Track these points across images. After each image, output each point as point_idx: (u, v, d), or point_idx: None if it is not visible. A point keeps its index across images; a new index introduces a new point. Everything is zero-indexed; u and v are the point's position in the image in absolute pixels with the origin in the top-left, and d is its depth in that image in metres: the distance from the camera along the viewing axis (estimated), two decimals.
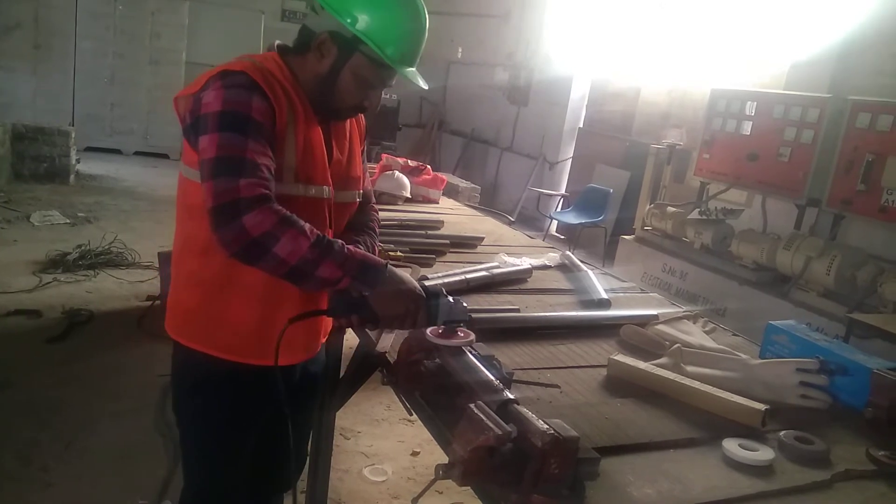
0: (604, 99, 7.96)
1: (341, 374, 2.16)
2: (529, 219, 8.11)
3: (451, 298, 1.45)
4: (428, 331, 1.44)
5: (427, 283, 1.58)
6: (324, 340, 1.73)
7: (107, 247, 4.96)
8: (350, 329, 1.61)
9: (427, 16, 1.50)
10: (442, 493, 2.57)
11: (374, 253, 1.65)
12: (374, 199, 1.85)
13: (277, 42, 1.56)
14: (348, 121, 1.65)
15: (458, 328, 1.45)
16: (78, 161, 7.49)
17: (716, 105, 4.77)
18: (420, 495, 1.21)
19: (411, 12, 1.47)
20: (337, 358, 2.27)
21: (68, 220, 5.78)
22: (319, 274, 1.32)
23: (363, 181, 1.72)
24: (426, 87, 1.52)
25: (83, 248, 4.87)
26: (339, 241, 1.37)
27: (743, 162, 4.45)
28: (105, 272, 4.71)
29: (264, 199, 1.29)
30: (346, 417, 3.14)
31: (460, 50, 9.82)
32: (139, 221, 6.06)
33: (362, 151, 1.74)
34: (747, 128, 4.49)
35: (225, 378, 1.53)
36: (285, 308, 1.46)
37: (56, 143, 7.08)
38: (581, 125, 8.21)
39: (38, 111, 8.30)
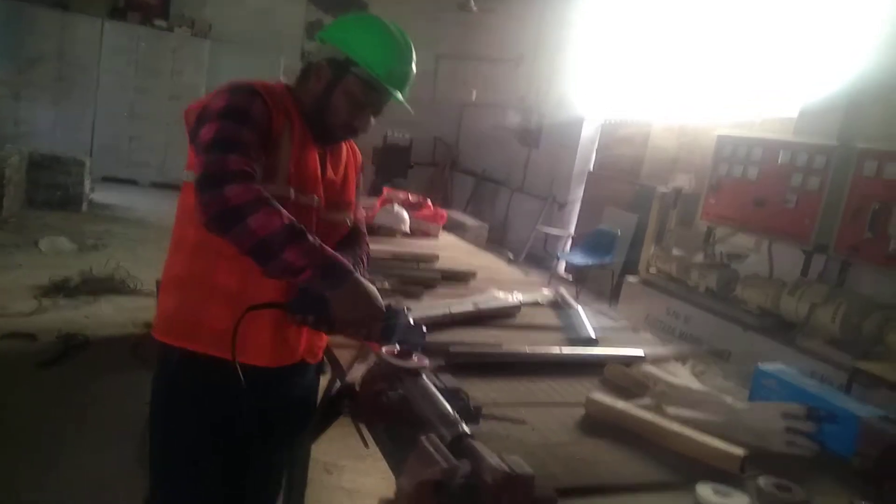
0: (613, 143, 7.98)
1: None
2: (538, 259, 8.07)
3: (411, 321, 1.43)
4: (383, 348, 1.43)
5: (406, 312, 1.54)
6: (311, 360, 1.73)
7: (110, 273, 4.98)
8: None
9: (413, 50, 1.65)
10: None
11: (364, 270, 1.67)
12: (365, 232, 1.86)
13: (283, 79, 1.72)
14: (345, 150, 1.75)
15: (414, 353, 1.41)
16: (92, 190, 7.59)
17: (722, 150, 4.75)
18: None
19: (397, 42, 1.61)
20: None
21: (76, 247, 5.83)
22: (286, 256, 1.33)
23: (355, 208, 1.79)
24: (412, 112, 1.67)
25: (85, 273, 4.88)
26: (315, 236, 1.39)
27: (749, 207, 4.41)
28: (106, 298, 4.71)
29: (250, 175, 1.35)
30: (331, 452, 3.06)
31: (474, 93, 9.95)
32: (146, 250, 6.08)
33: (357, 184, 1.81)
34: (754, 173, 4.46)
35: (199, 373, 1.55)
36: (257, 314, 1.46)
37: (71, 171, 7.19)
38: (591, 168, 8.22)
39: (57, 141, 8.45)
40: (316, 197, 1.61)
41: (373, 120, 1.67)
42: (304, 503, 2.36)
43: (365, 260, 1.75)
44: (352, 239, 1.77)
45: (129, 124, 9.20)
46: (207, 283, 1.53)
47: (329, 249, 1.40)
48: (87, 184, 7.41)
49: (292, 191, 1.53)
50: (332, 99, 1.58)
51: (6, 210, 6.41)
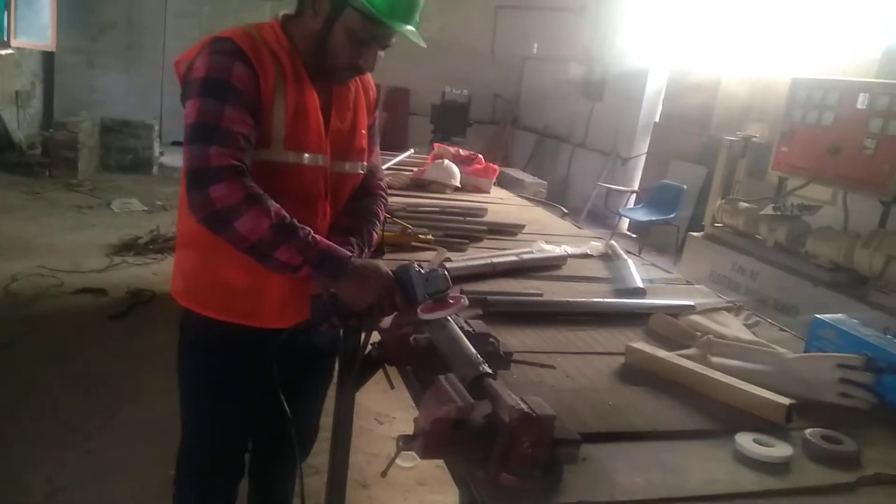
0: (681, 92, 7.63)
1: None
2: (599, 216, 7.89)
3: (423, 270, 1.38)
4: (419, 310, 1.38)
5: (429, 266, 1.49)
6: None
7: (175, 232, 5.15)
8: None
9: None
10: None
11: (372, 242, 1.62)
12: (382, 178, 1.78)
13: (283, 12, 1.55)
14: (354, 92, 1.62)
15: (447, 296, 1.37)
16: (161, 153, 7.86)
17: (796, 95, 4.45)
18: (387, 468, 1.15)
19: None
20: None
21: (146, 208, 6.07)
22: (278, 256, 1.33)
23: (368, 154, 1.68)
24: (423, 45, 1.46)
25: (154, 233, 5.08)
26: (307, 228, 1.35)
27: (824, 156, 4.14)
28: (172, 256, 4.89)
29: (234, 170, 1.31)
30: (383, 402, 3.12)
31: (535, 45, 9.68)
32: None
33: (371, 125, 1.69)
34: (829, 119, 4.17)
35: (218, 338, 1.55)
36: (273, 273, 1.43)
37: (140, 135, 7.46)
38: (657, 120, 7.92)
39: (129, 107, 8.75)
40: (321, 156, 1.51)
41: (381, 54, 1.50)
42: (353, 451, 2.41)
43: (381, 213, 1.69)
44: (366, 193, 1.69)
45: None
46: (222, 244, 1.44)
47: (322, 240, 1.36)
48: (157, 147, 7.67)
49: (291, 154, 1.46)
50: (332, 37, 1.44)
51: (81, 173, 6.73)
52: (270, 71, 1.42)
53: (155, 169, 7.61)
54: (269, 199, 1.33)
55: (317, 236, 1.36)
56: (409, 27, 1.45)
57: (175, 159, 8.26)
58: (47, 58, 8.38)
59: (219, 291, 1.52)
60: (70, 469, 2.49)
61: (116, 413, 2.87)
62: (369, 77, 1.67)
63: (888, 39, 4.70)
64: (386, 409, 3.11)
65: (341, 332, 1.62)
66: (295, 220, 1.35)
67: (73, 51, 8.57)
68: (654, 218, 6.50)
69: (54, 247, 4.83)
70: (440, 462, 2.85)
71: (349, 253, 1.40)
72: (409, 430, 3.08)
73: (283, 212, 1.34)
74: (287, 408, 1.45)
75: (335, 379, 2.03)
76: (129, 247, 4.91)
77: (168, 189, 6.96)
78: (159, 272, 4.59)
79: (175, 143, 8.94)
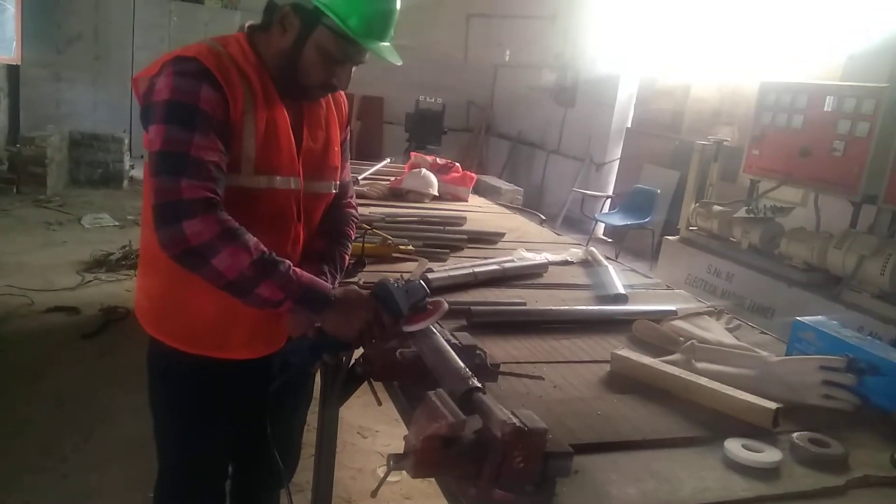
0: (652, 97, 7.73)
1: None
2: (575, 221, 7.94)
3: (398, 283, 1.35)
4: (406, 327, 1.35)
5: (413, 279, 1.47)
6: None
7: None
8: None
9: None
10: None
11: (343, 266, 1.59)
12: (352, 194, 1.75)
13: (249, 22, 1.48)
14: (325, 108, 1.56)
15: (427, 303, 1.36)
16: (132, 167, 7.73)
17: (766, 98, 4.53)
18: (377, 488, 1.13)
19: None
20: None
21: (117, 223, 5.96)
22: (259, 292, 1.27)
23: (341, 172, 1.63)
24: (399, 63, 1.40)
25: (126, 248, 4.99)
26: (287, 262, 1.30)
27: (794, 158, 4.21)
28: None
29: (208, 203, 1.24)
30: (366, 416, 3.08)
31: (507, 53, 9.74)
32: None
33: (343, 140, 1.64)
34: (799, 122, 4.25)
35: (189, 370, 1.49)
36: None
37: (110, 149, 7.33)
38: (629, 125, 8.00)
39: (98, 121, 8.59)
40: (293, 178, 1.44)
41: (353, 69, 1.44)
42: (336, 466, 2.37)
43: (351, 231, 1.66)
44: (337, 210, 1.65)
45: None
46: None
47: (304, 274, 1.32)
48: (127, 161, 7.54)
49: (262, 179, 1.39)
50: (303, 56, 1.37)
51: (50, 189, 6.59)
52: (239, 92, 1.34)
53: (125, 183, 7.48)
54: (245, 232, 1.27)
55: (297, 269, 1.32)
56: (385, 43, 1.40)
57: None
58: (12, 71, 8.20)
59: (186, 322, 1.46)
60: (46, 493, 2.42)
61: (91, 434, 2.80)
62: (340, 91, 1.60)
63: (852, 47, 4.80)
64: (369, 423, 3.08)
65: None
66: (274, 254, 1.29)
67: (39, 64, 8.40)
68: (629, 222, 6.56)
69: (24, 265, 4.72)
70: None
71: (328, 286, 1.36)
72: (393, 443, 3.05)
73: (262, 245, 1.28)
74: (272, 431, 1.41)
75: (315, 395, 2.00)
76: (101, 263, 4.81)
77: (139, 203, 6.75)
78: (132, 289, 4.46)
79: None
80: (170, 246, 1.24)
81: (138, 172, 7.89)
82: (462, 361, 1.26)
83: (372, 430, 3.05)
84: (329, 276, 1.49)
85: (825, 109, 4.06)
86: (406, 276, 1.43)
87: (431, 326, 1.35)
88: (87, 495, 2.43)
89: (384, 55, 1.39)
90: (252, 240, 1.27)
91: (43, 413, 2.94)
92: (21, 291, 4.18)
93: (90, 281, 4.53)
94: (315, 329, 1.34)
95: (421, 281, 1.39)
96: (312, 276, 1.35)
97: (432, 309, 1.34)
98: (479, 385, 1.14)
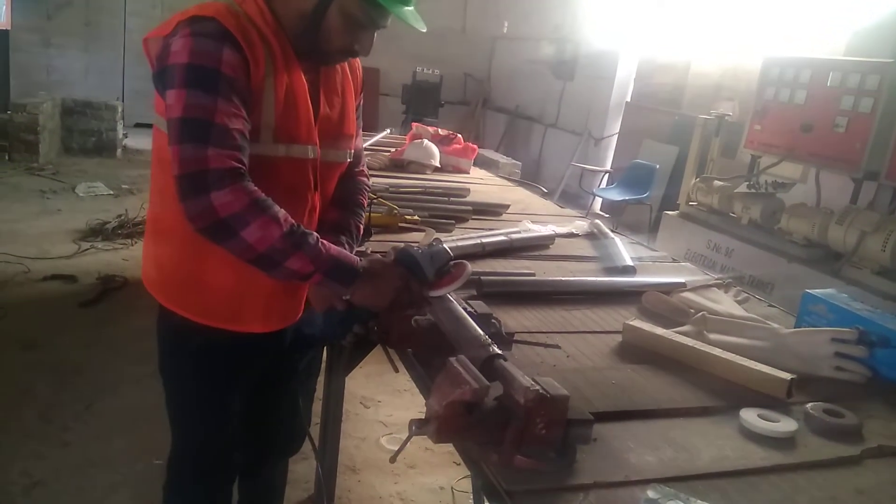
0: (652, 72, 7.66)
1: None
2: (573, 196, 7.91)
3: (421, 249, 1.34)
4: (434, 293, 1.34)
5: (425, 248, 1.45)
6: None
7: (145, 217, 5.02)
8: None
9: None
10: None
11: (359, 236, 1.57)
12: (364, 163, 1.71)
13: None
14: (341, 73, 1.51)
15: (451, 267, 1.35)
16: (125, 136, 7.64)
17: (768, 73, 4.49)
18: (397, 453, 1.13)
19: None
20: None
21: (112, 192, 5.90)
22: (289, 265, 1.24)
23: (355, 140, 1.59)
24: (424, 30, 1.37)
25: (122, 217, 4.95)
26: (315, 234, 1.28)
27: (796, 133, 4.19)
28: (141, 241, 4.77)
29: (235, 174, 1.19)
30: (368, 387, 3.09)
31: (506, 25, 9.62)
32: None
33: (357, 106, 1.60)
34: (801, 97, 4.22)
35: (202, 341, 1.45)
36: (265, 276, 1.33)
37: (104, 117, 7.23)
38: (628, 99, 7.94)
39: (90, 88, 8.47)
40: (311, 147, 1.40)
41: (375, 35, 1.39)
42: (341, 435, 2.38)
43: (364, 201, 1.64)
44: (350, 179, 1.62)
45: None
46: (208, 241, 1.30)
47: (331, 247, 1.29)
48: (120, 129, 7.44)
49: (281, 148, 1.35)
50: (326, 20, 1.31)
51: (43, 157, 6.51)
52: (261, 55, 1.28)
53: (119, 151, 7.39)
54: (273, 203, 1.23)
55: (325, 241, 1.29)
56: (409, 8, 1.35)
57: (140, 142, 8.04)
58: (2, 36, 8.05)
59: (201, 294, 1.42)
60: (48, 462, 2.42)
61: (92, 403, 2.79)
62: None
63: (857, 22, 4.76)
64: (371, 393, 3.09)
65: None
66: (302, 226, 1.26)
67: (28, 29, 8.24)
68: (627, 197, 6.54)
69: (19, 233, 4.67)
70: (430, 444, 2.85)
71: (356, 258, 1.34)
72: (396, 413, 3.06)
73: (290, 217, 1.25)
74: (303, 413, 1.45)
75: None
76: (97, 232, 4.77)
77: (134, 172, 6.78)
78: (130, 257, 4.46)
79: (139, 126, 8.71)
80: (197, 218, 1.19)
81: (132, 141, 7.81)
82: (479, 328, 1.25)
83: (374, 399, 3.06)
84: (347, 246, 1.47)
85: (828, 85, 4.03)
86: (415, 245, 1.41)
87: (448, 295, 1.34)
88: (90, 464, 2.43)
89: (409, 20, 1.34)
90: (281, 211, 1.23)
91: (43, 382, 2.92)
92: (17, 259, 4.14)
93: (87, 249, 4.50)
94: (343, 301, 1.32)
95: (443, 245, 1.37)
96: (339, 248, 1.33)
97: (456, 272, 1.33)
98: (500, 352, 1.13)
